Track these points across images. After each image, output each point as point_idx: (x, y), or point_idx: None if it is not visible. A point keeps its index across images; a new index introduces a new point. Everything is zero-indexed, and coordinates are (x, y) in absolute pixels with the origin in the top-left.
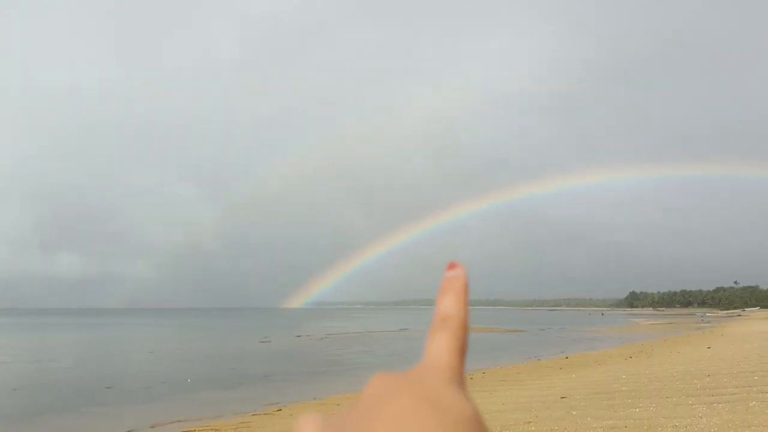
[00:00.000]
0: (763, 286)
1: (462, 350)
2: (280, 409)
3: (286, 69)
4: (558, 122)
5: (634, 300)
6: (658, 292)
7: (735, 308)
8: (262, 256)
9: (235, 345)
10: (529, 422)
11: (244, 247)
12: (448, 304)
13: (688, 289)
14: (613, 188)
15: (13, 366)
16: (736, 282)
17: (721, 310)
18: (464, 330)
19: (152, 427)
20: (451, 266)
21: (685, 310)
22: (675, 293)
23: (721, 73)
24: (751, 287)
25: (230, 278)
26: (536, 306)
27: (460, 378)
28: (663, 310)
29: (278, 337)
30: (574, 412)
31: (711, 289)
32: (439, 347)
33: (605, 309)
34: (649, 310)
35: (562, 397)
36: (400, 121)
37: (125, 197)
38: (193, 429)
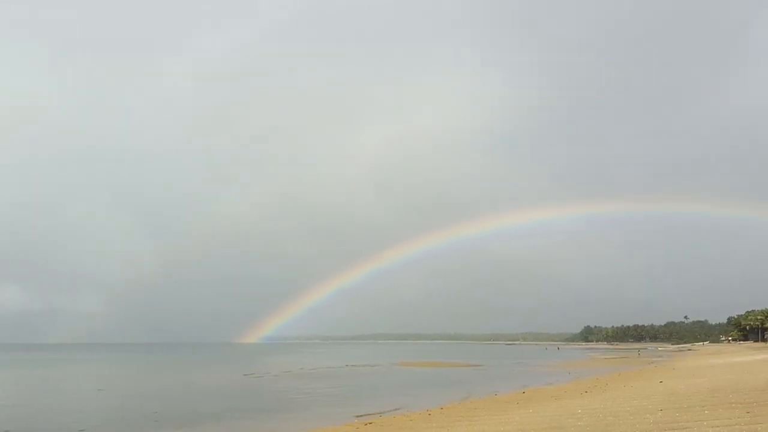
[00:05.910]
0: (712, 321)
1: None
2: None
3: (236, 106)
4: (504, 161)
5: (588, 334)
6: (612, 327)
7: (685, 342)
8: (214, 291)
9: (186, 381)
10: None
11: (196, 282)
12: None
13: (640, 324)
14: (566, 224)
15: None
16: (686, 317)
17: (672, 344)
18: None
19: None
20: None
21: (637, 344)
22: (628, 328)
23: (671, 106)
24: (700, 322)
25: (181, 313)
26: (494, 340)
27: None
28: (617, 344)
29: (230, 372)
30: None
31: (662, 324)
32: None
33: (561, 343)
34: (604, 344)
35: None
36: (350, 160)
37: (65, 229)
38: None
